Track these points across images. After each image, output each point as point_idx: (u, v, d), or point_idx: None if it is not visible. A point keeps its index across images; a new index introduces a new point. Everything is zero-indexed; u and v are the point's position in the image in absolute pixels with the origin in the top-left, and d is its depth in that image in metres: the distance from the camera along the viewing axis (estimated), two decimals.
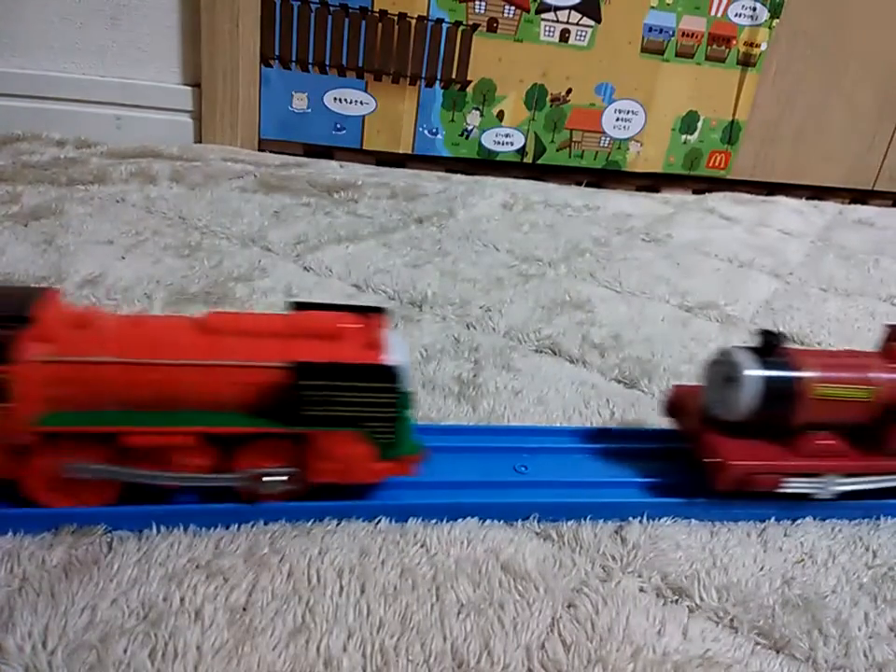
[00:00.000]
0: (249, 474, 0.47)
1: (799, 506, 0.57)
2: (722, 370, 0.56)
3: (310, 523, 0.50)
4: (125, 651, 0.40)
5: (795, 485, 0.55)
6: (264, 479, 0.47)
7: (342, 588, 0.46)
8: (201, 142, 1.32)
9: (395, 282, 0.88)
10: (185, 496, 0.48)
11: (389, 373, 0.45)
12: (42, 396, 0.43)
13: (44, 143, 1.20)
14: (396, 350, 0.47)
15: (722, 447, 0.55)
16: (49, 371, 0.42)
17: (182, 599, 0.43)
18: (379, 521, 0.51)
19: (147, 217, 0.98)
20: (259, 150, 1.35)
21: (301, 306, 0.50)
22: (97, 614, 0.42)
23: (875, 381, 0.56)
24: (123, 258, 0.85)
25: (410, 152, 1.41)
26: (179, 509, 0.49)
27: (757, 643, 0.47)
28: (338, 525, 0.50)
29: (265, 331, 0.46)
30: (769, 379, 0.54)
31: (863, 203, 1.65)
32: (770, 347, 0.55)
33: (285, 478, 0.47)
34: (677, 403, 0.60)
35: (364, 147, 1.40)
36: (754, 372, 0.54)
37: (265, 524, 0.49)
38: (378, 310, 0.50)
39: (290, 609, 0.44)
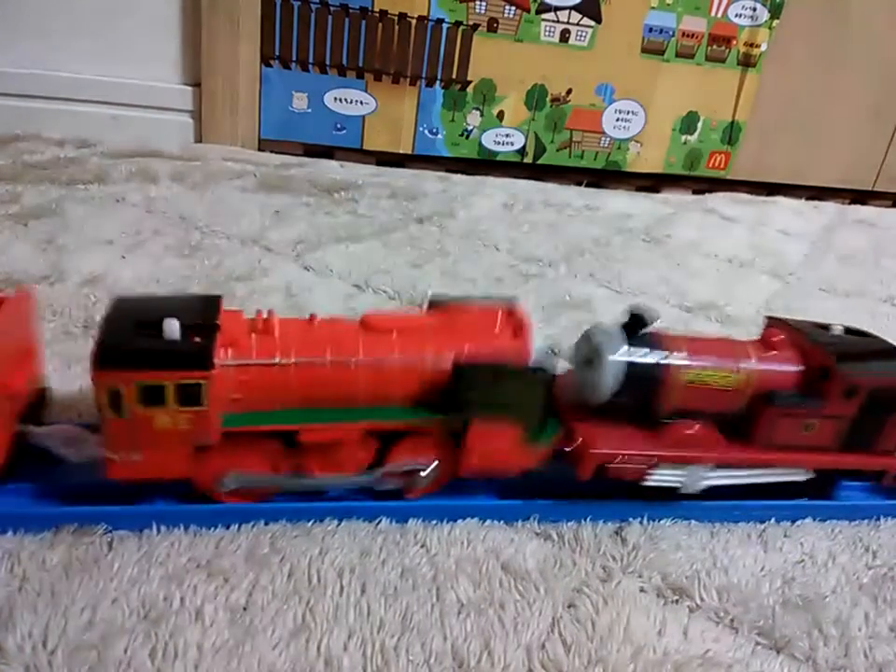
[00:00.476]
0: (402, 470, 0.50)
1: (798, 508, 0.57)
2: (584, 350, 0.52)
3: (310, 523, 0.50)
4: (125, 651, 0.40)
5: (659, 477, 0.53)
6: (420, 474, 0.50)
7: (342, 588, 0.46)
8: (201, 141, 1.32)
9: (395, 282, 0.88)
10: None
11: (538, 369, 0.49)
12: (227, 399, 0.46)
13: (44, 142, 1.20)
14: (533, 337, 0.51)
15: (584, 433, 0.52)
16: (236, 375, 0.45)
17: (182, 599, 0.43)
18: (380, 521, 0.51)
19: (147, 216, 0.98)
20: (260, 150, 1.35)
21: (437, 302, 0.53)
22: (97, 614, 0.42)
23: (746, 368, 0.53)
24: (124, 257, 0.85)
25: (410, 152, 1.41)
26: (179, 509, 0.49)
27: (757, 643, 0.47)
28: (338, 525, 0.50)
29: (423, 328, 0.49)
30: (630, 362, 0.51)
31: (863, 203, 1.65)
32: (636, 328, 0.51)
33: (434, 471, 0.50)
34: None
35: (364, 147, 1.40)
36: (614, 354, 0.50)
37: (265, 524, 0.49)
38: (509, 300, 0.53)
39: (291, 608, 0.44)
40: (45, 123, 1.23)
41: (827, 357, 0.54)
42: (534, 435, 0.50)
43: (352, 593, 0.45)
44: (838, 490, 0.59)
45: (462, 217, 1.15)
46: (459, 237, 1.06)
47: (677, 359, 0.51)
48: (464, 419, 0.48)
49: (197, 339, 0.43)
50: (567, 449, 0.51)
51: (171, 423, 0.44)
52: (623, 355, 0.50)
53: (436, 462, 0.50)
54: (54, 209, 0.95)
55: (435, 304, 0.52)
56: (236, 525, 0.49)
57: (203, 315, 0.45)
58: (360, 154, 1.40)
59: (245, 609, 0.44)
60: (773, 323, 0.59)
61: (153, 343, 0.43)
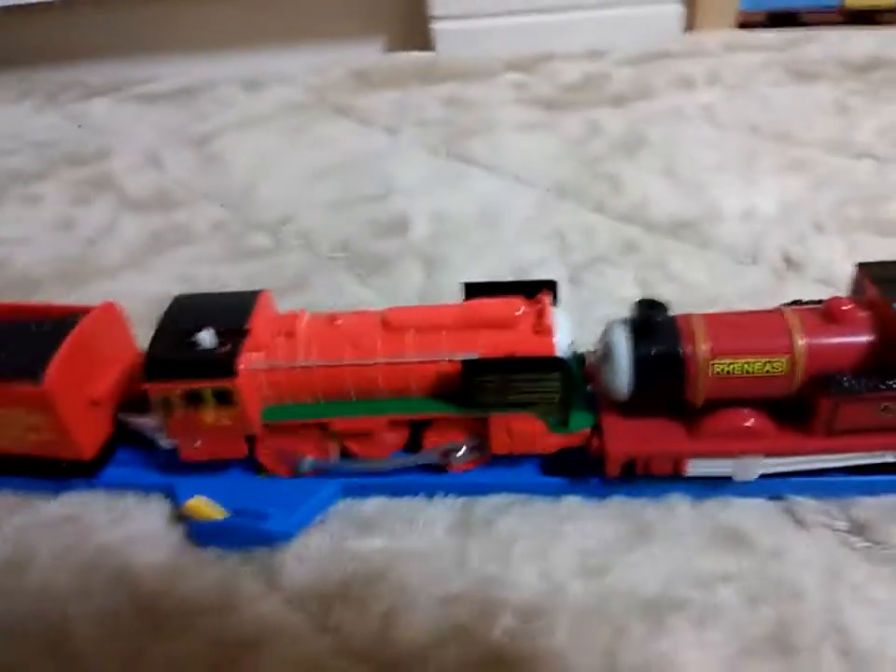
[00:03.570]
0: (441, 450, 0.52)
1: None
2: (602, 346, 0.49)
3: None
4: None
5: (700, 469, 0.49)
6: (456, 454, 0.51)
7: None
8: (691, 30, 1.28)
9: None
10: None
11: (553, 363, 0.48)
12: (262, 396, 0.51)
13: (566, 59, 1.21)
14: (562, 329, 0.50)
15: (609, 430, 0.49)
16: (266, 376, 0.50)
17: None
18: None
19: (720, 131, 0.96)
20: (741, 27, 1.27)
21: (473, 289, 0.53)
22: None
23: (788, 352, 0.46)
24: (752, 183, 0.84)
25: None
26: None
27: None
28: None
29: (441, 325, 0.50)
30: (643, 358, 0.46)
31: None
32: (650, 318, 0.47)
33: (470, 452, 0.51)
34: (590, 374, 0.52)
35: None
36: (625, 351, 0.47)
37: None
38: (548, 284, 0.52)
39: None
40: (558, 36, 1.24)
41: None
42: (559, 425, 0.50)
43: None
44: None
45: None
46: None
47: (698, 350, 0.46)
48: (483, 412, 0.49)
49: (226, 347, 0.49)
50: (592, 448, 0.49)
51: (215, 419, 0.50)
52: (635, 350, 0.47)
53: (467, 445, 0.51)
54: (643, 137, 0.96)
55: (469, 290, 0.53)
56: None
57: (236, 318, 0.51)
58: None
59: None
60: (863, 274, 0.49)
61: (190, 353, 0.49)
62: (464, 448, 0.51)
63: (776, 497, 0.50)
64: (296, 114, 1.12)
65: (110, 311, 0.56)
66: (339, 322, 0.51)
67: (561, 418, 0.49)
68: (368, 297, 0.72)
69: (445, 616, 0.45)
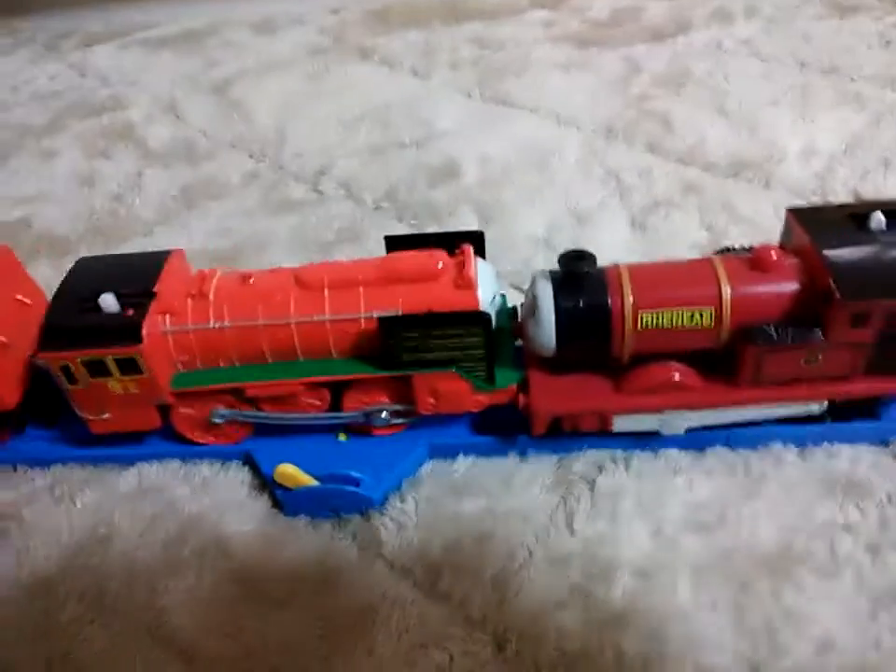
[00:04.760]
0: (364, 412, 0.49)
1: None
2: (528, 300, 0.47)
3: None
4: None
5: (626, 424, 0.48)
6: (378, 416, 0.49)
7: None
8: None
9: None
10: None
11: (475, 318, 0.45)
12: (172, 361, 0.47)
13: None
14: (486, 282, 0.47)
15: (535, 387, 0.48)
16: (174, 340, 0.47)
17: None
18: None
19: (778, 67, 0.92)
20: None
21: (394, 242, 0.50)
22: None
23: (713, 304, 0.44)
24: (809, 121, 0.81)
25: None
26: None
27: None
28: None
29: (358, 281, 0.47)
30: (566, 311, 0.44)
31: None
32: (575, 270, 0.45)
33: (392, 414, 0.49)
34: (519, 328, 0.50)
35: None
36: (549, 304, 0.45)
37: None
38: (472, 235, 0.50)
39: None
40: None
41: (826, 276, 0.43)
42: (484, 383, 0.48)
43: None
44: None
45: None
46: None
47: (623, 303, 0.44)
48: (404, 372, 0.47)
49: (130, 311, 0.46)
50: (519, 405, 0.48)
51: (122, 388, 0.47)
52: (560, 302, 0.44)
53: (389, 407, 0.49)
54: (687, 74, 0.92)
55: (390, 243, 0.50)
56: None
57: (143, 281, 0.47)
58: None
59: None
60: (793, 219, 0.47)
61: (90, 319, 0.46)
62: (385, 410, 0.50)
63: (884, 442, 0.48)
64: (315, 57, 1.07)
65: (4, 254, 0.52)
66: (251, 281, 0.48)
67: (486, 376, 0.48)
68: None
69: (559, 577, 0.43)
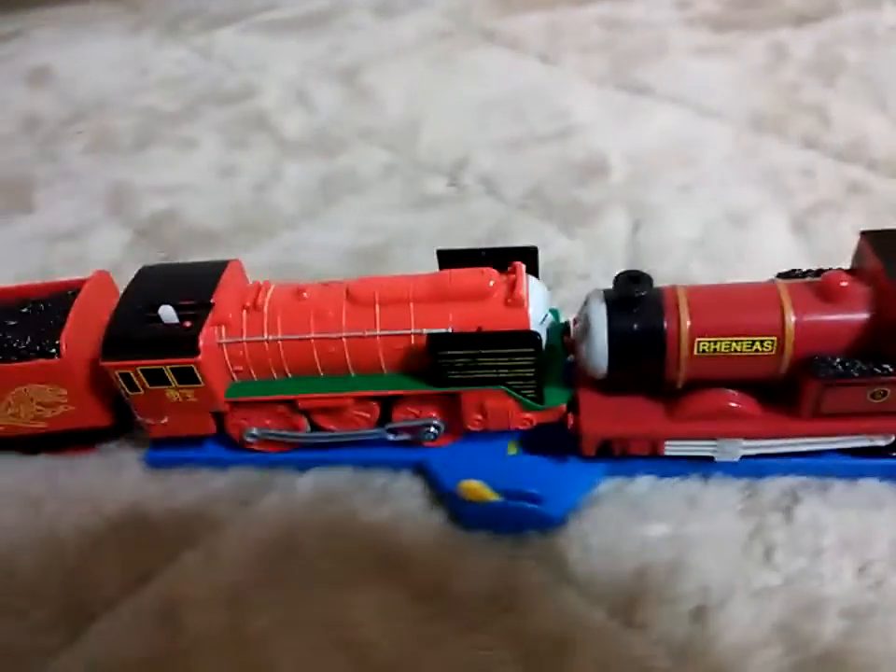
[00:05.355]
0: (407, 426, 0.50)
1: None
2: (581, 320, 0.46)
3: None
4: None
5: (680, 449, 0.46)
6: (424, 429, 0.49)
7: None
8: None
9: None
10: None
11: (525, 338, 0.45)
12: (227, 371, 0.49)
13: None
14: (536, 301, 0.47)
15: (585, 408, 0.47)
16: (229, 351, 0.48)
17: None
18: None
19: None
20: None
21: (446, 257, 0.50)
22: None
23: (775, 332, 0.42)
24: None
25: None
26: None
27: None
28: None
29: (409, 298, 0.47)
30: (623, 333, 0.43)
31: None
32: (630, 291, 0.43)
33: (439, 428, 0.50)
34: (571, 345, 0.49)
35: None
36: (601, 325, 0.43)
37: None
38: (526, 251, 0.49)
39: None
40: None
41: None
42: (532, 403, 0.47)
43: None
44: None
45: None
46: None
47: (679, 327, 0.43)
48: (452, 389, 0.47)
49: (188, 323, 0.47)
50: (569, 426, 0.47)
51: (179, 396, 0.49)
52: (613, 325, 0.43)
53: (437, 421, 0.49)
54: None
55: (443, 258, 0.50)
56: None
57: (202, 292, 0.49)
58: None
59: None
60: (866, 243, 0.44)
61: (149, 330, 0.47)
62: (433, 425, 0.50)
63: None
64: (440, 42, 1.05)
65: (103, 279, 0.56)
66: (305, 294, 0.49)
67: (535, 395, 0.47)
68: (574, 250, 0.68)
69: (763, 613, 0.42)
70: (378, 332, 0.47)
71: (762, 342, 0.43)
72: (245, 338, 0.48)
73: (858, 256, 0.46)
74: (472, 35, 1.06)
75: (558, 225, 0.71)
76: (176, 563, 0.48)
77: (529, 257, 0.49)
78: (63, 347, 0.50)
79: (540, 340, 0.45)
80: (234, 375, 0.49)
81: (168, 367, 0.47)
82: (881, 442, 0.46)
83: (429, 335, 0.45)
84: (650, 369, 0.44)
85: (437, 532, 0.49)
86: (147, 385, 0.48)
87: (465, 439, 0.52)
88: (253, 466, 0.54)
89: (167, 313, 0.47)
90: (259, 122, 0.93)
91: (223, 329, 0.48)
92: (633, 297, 0.44)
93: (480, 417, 0.48)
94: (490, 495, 0.48)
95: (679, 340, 0.43)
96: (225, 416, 0.51)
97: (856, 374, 0.42)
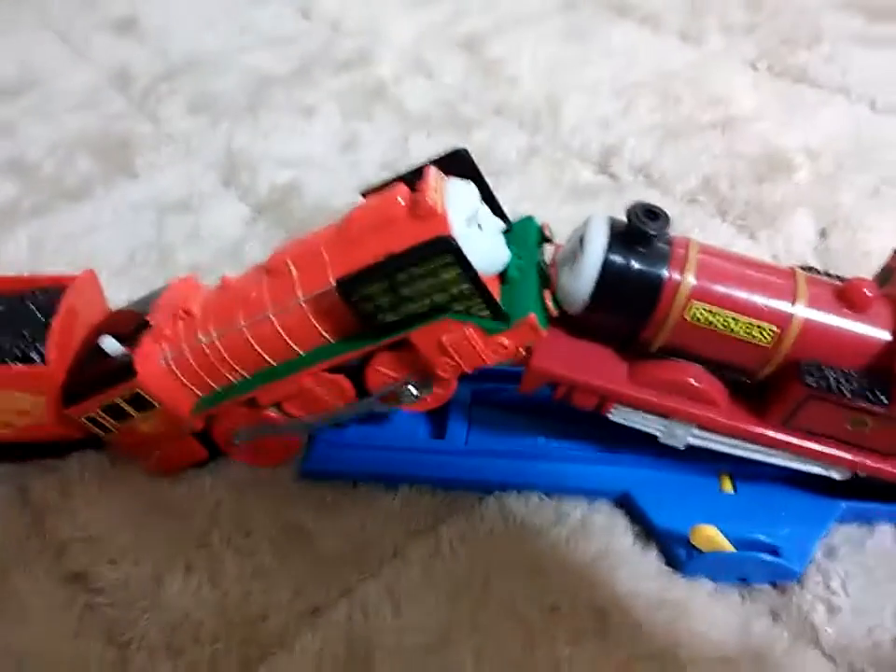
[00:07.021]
0: (387, 392, 0.43)
1: None
2: (572, 243, 0.39)
3: None
4: None
5: (623, 417, 0.41)
6: (402, 392, 0.42)
7: None
8: None
9: None
10: None
11: (437, 245, 0.36)
12: (185, 388, 0.45)
13: None
14: (460, 204, 0.38)
15: (543, 344, 0.40)
16: (177, 365, 0.44)
17: None
18: None
19: None
20: None
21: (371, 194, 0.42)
22: None
23: (784, 321, 0.37)
24: None
25: None
26: None
27: None
28: None
29: (320, 250, 0.40)
30: (614, 265, 0.37)
31: None
32: (644, 227, 0.37)
33: (418, 388, 0.42)
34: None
35: None
36: (598, 252, 0.37)
37: None
38: (454, 156, 0.41)
39: None
40: None
41: None
42: (494, 323, 0.38)
43: None
44: None
45: None
46: None
47: (682, 280, 0.37)
48: (394, 336, 0.39)
49: (129, 348, 0.43)
50: (518, 358, 0.40)
51: (149, 427, 0.45)
52: (610, 254, 0.37)
53: (413, 381, 0.42)
54: None
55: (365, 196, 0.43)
56: None
57: (137, 317, 0.45)
58: None
59: None
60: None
61: (94, 366, 0.44)
62: (410, 385, 0.42)
63: None
64: (565, 13, 0.97)
65: (90, 278, 0.52)
66: (228, 284, 0.44)
67: (491, 311, 0.38)
68: (757, 252, 0.61)
69: None
70: (301, 299, 0.41)
71: (761, 329, 0.37)
72: (185, 346, 0.44)
73: (883, 272, 0.42)
74: (600, 8, 0.98)
75: (737, 225, 0.64)
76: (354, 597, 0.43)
77: (457, 162, 0.41)
78: (51, 355, 0.45)
79: (457, 245, 0.36)
80: (196, 391, 0.45)
81: (119, 398, 0.44)
82: (836, 476, 0.41)
83: (336, 282, 0.38)
84: (630, 318, 0.38)
85: (653, 577, 0.43)
86: (115, 423, 0.46)
87: (666, 467, 0.46)
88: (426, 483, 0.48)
89: (108, 344, 0.44)
90: (379, 92, 0.86)
91: (165, 345, 0.44)
92: (644, 233, 0.37)
93: (447, 360, 0.40)
94: (725, 545, 0.42)
95: (674, 296, 0.37)
96: (212, 432, 0.47)
97: (846, 394, 0.37)
